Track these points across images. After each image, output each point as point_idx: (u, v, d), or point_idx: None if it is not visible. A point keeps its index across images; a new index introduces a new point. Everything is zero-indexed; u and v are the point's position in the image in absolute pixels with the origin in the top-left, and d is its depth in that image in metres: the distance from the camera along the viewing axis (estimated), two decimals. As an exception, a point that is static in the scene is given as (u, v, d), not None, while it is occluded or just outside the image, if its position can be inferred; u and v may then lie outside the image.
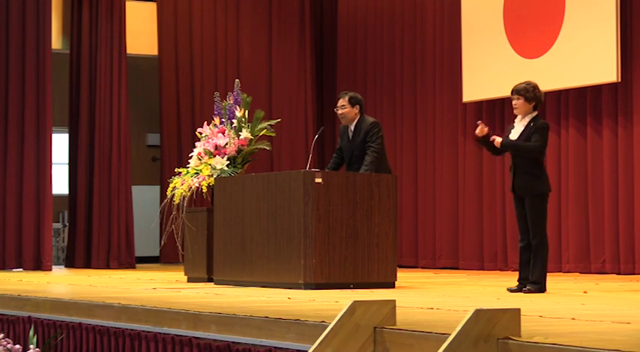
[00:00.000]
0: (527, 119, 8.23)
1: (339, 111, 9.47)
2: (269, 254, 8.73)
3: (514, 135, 8.25)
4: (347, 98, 9.43)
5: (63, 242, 15.87)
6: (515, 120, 8.34)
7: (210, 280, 9.66)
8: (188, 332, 5.90)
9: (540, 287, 8.03)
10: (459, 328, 4.20)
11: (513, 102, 8.28)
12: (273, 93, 15.85)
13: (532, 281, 8.05)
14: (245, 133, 10.03)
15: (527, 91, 8.21)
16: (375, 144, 9.22)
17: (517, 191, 8.23)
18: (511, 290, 8.13)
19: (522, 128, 8.22)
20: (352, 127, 9.43)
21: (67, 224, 14.71)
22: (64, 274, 12.68)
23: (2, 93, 13.69)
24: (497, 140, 8.21)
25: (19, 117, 13.72)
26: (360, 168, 9.20)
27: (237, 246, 9.13)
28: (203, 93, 15.25)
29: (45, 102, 13.77)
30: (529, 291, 7.97)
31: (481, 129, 8.30)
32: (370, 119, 9.46)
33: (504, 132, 8.53)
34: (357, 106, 9.42)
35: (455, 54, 13.89)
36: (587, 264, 12.11)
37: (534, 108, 8.24)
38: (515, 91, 8.26)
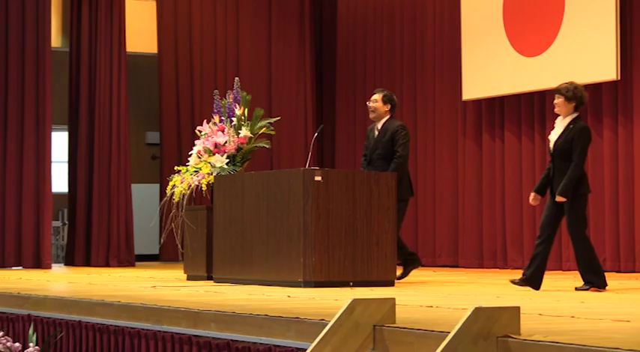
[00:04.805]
0: (567, 120, 8.23)
1: (371, 104, 9.75)
2: (269, 252, 8.73)
3: (553, 136, 8.28)
4: (382, 95, 9.74)
5: (62, 240, 15.86)
6: (557, 121, 8.34)
7: (209, 278, 9.65)
8: (188, 331, 5.90)
9: (597, 284, 8.08)
10: (458, 326, 4.20)
11: (554, 101, 8.30)
12: (273, 91, 15.85)
13: (587, 281, 8.14)
14: (244, 131, 10.02)
15: (568, 90, 8.21)
16: (401, 149, 9.49)
17: (555, 192, 8.20)
18: (513, 282, 8.16)
19: (562, 129, 8.22)
20: (379, 125, 9.69)
21: (67, 222, 14.71)
22: (64, 272, 12.67)
23: (2, 92, 13.69)
24: (559, 200, 8.12)
25: (19, 115, 13.72)
26: (379, 166, 9.45)
27: (237, 244, 9.13)
28: (203, 92, 15.25)
29: (45, 100, 13.77)
30: (584, 289, 8.06)
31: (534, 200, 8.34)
32: (398, 121, 9.79)
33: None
34: (389, 105, 9.71)
35: (455, 52, 13.88)
36: (587, 262, 12.10)
37: (575, 109, 8.23)
38: (556, 90, 8.30)
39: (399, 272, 9.33)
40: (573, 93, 8.19)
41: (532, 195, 8.43)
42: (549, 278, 10.16)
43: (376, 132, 9.67)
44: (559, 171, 8.18)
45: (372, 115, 9.77)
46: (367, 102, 9.89)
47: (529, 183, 12.99)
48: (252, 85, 14.54)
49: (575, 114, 8.22)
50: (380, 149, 9.55)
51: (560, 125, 8.27)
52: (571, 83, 8.32)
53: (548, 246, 8.23)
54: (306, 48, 16.05)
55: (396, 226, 9.57)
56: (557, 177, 8.20)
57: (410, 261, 9.77)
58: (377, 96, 9.73)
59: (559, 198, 8.09)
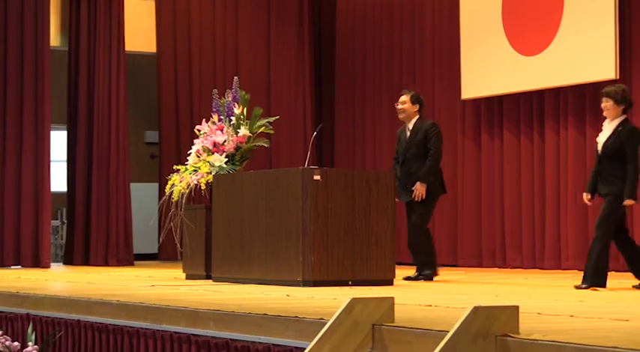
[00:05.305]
0: (615, 122, 8.23)
1: (399, 106, 9.90)
2: (267, 251, 8.73)
3: (602, 138, 8.30)
4: (409, 95, 9.88)
5: (61, 239, 15.86)
6: (604, 123, 8.36)
7: (208, 277, 9.65)
8: (187, 330, 5.90)
9: (596, 283, 8.12)
10: (457, 325, 4.20)
11: (602, 104, 8.30)
12: (272, 90, 15.85)
13: (587, 279, 8.20)
14: (243, 130, 10.02)
15: (617, 94, 8.22)
16: (434, 147, 9.67)
17: (602, 191, 8.26)
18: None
19: (610, 132, 8.24)
20: (410, 126, 9.83)
21: (66, 221, 14.71)
22: (63, 271, 12.67)
23: (1, 91, 13.69)
24: (629, 203, 8.16)
25: (18, 115, 13.72)
26: (413, 166, 9.63)
27: (236, 243, 9.12)
28: (201, 91, 15.25)
29: (43, 99, 13.77)
30: (584, 288, 8.10)
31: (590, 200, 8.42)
32: (429, 121, 9.96)
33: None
34: (417, 105, 9.85)
35: (453, 51, 13.88)
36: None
37: (624, 112, 8.24)
38: (605, 93, 8.29)
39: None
40: (622, 97, 8.22)
41: (588, 196, 8.42)
42: (548, 278, 10.18)
43: (408, 133, 9.83)
44: (607, 172, 8.23)
45: (401, 116, 9.91)
46: (395, 105, 10.03)
47: (528, 182, 12.99)
48: (251, 84, 14.54)
49: (623, 117, 8.25)
50: (413, 148, 9.72)
51: (608, 127, 8.29)
52: (619, 86, 8.39)
53: (629, 241, 8.38)
54: (305, 47, 16.05)
55: (425, 225, 9.67)
56: (604, 178, 8.24)
57: (428, 269, 9.80)
58: (405, 98, 9.86)
59: (629, 202, 8.13)
